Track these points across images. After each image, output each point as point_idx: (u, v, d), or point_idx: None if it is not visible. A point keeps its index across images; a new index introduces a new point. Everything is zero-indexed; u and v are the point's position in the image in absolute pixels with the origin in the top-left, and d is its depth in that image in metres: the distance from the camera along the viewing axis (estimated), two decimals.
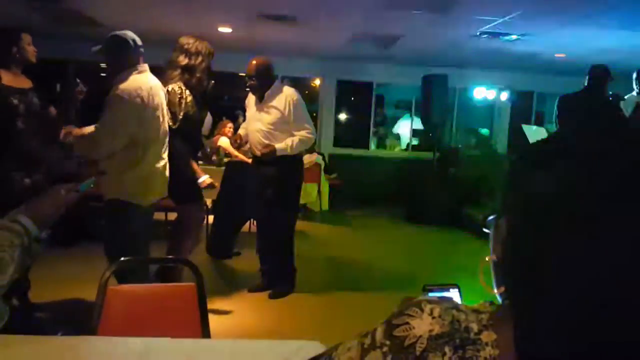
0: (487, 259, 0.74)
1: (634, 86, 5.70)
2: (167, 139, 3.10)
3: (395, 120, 10.78)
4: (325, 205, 7.56)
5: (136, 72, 2.83)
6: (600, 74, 4.91)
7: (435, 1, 4.93)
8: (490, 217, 0.77)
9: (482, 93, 8.53)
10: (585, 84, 5.02)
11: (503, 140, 9.69)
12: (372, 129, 9.91)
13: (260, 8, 5.62)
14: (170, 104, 3.31)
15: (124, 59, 2.84)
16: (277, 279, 4.07)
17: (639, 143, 0.66)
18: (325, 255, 5.53)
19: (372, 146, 10.03)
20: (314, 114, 9.81)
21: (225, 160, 5.92)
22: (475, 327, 0.66)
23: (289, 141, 3.84)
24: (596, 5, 4.76)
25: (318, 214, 7.39)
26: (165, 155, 3.07)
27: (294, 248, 4.14)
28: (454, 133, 9.93)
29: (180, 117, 3.37)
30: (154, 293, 1.94)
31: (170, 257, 3.48)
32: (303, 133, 3.88)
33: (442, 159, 8.25)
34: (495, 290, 0.72)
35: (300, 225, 6.89)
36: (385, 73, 9.36)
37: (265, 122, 3.89)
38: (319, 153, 7.93)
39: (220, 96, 10.40)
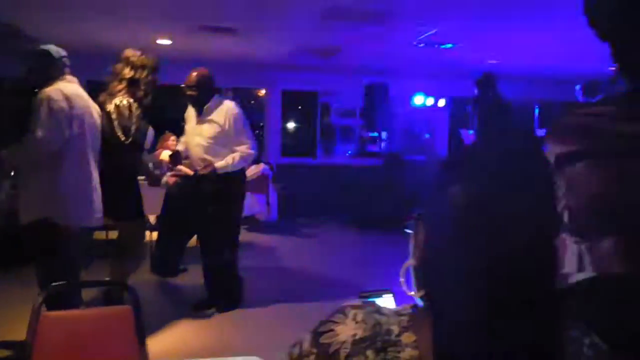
0: (407, 263, 0.79)
1: (581, 98, 6.01)
2: (94, 155, 3.02)
3: (341, 128, 10.91)
4: (274, 215, 7.57)
5: (62, 82, 2.79)
6: (487, 80, 5.13)
7: (372, 13, 5.05)
8: (410, 223, 0.82)
9: (421, 100, 8.77)
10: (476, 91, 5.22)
11: (443, 144, 10.00)
12: (318, 137, 10.00)
13: (199, 20, 5.60)
14: (121, 117, 3.27)
15: (48, 72, 2.79)
16: (223, 294, 4.03)
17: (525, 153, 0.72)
18: (273, 267, 5.54)
19: (319, 154, 10.12)
20: (261, 124, 9.81)
21: (168, 174, 5.83)
22: (396, 329, 0.70)
23: (229, 159, 3.81)
24: (525, 13, 5.00)
25: (266, 224, 7.38)
26: (96, 174, 3.00)
27: (238, 262, 4.11)
28: (397, 139, 10.15)
29: (133, 131, 3.33)
30: (89, 318, 1.91)
31: (104, 280, 3.40)
32: (243, 149, 3.86)
33: (387, 165, 8.42)
34: (416, 294, 0.76)
35: (248, 236, 6.89)
36: (329, 82, 9.48)
37: (205, 136, 3.86)
38: (267, 163, 7.93)
39: (162, 108, 10.23)
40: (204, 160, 3.90)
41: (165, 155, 6.03)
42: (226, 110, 3.85)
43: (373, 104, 7.99)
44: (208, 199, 3.87)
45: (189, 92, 3.89)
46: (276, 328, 3.74)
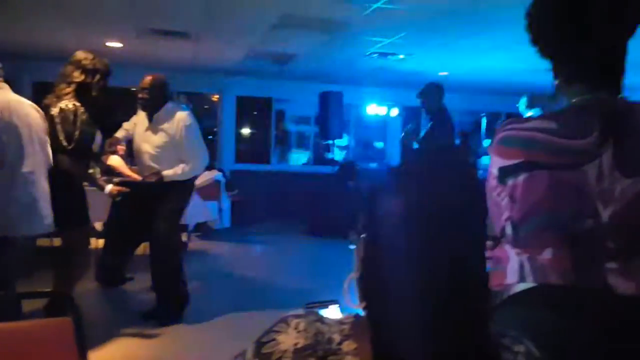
0: (350, 276, 0.79)
1: (523, 110, 6.25)
2: (41, 163, 2.91)
3: (297, 135, 10.95)
4: (227, 223, 7.48)
5: None
6: (431, 91, 5.23)
7: (326, 23, 5.10)
8: (354, 236, 0.82)
9: (374, 109, 8.90)
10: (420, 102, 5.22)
11: (396, 153, 10.17)
12: (273, 144, 9.99)
13: (150, 23, 5.50)
14: (64, 122, 3.15)
15: None
16: (170, 304, 3.92)
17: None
18: (224, 276, 5.45)
19: (274, 161, 10.10)
20: (214, 129, 9.71)
21: (116, 180, 5.68)
22: (337, 337, 0.70)
23: (178, 169, 3.74)
24: (471, 27, 5.16)
25: (219, 232, 7.28)
26: (43, 181, 2.89)
27: (184, 270, 4.01)
28: (351, 147, 10.26)
29: (76, 136, 3.20)
30: (24, 330, 1.82)
31: (43, 291, 3.26)
32: (193, 159, 3.80)
33: (341, 172, 8.48)
34: (358, 305, 0.77)
35: (200, 244, 6.79)
36: (284, 89, 9.50)
37: (153, 145, 3.76)
38: (219, 169, 7.84)
39: (112, 112, 9.97)
40: (150, 168, 3.81)
41: (113, 160, 5.89)
42: (178, 121, 3.74)
43: (327, 111, 8.04)
44: (155, 204, 3.78)
45: (140, 95, 3.79)
46: (224, 339, 3.66)
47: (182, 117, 3.77)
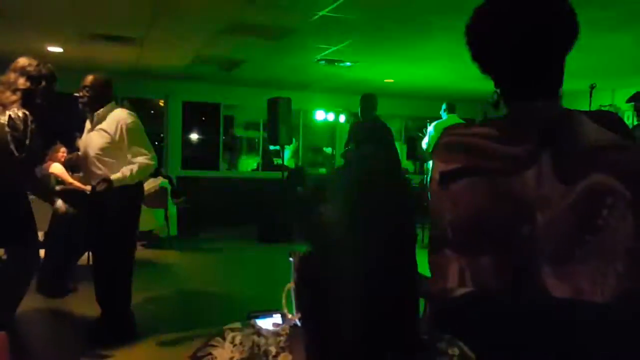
0: (288, 286, 0.80)
1: (442, 114, 6.70)
2: None
3: (246, 140, 10.88)
4: (174, 231, 7.33)
5: None
6: (366, 101, 5.48)
7: (273, 29, 5.11)
8: (291, 249, 0.83)
9: (322, 115, 8.96)
10: (359, 111, 5.51)
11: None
12: (221, 150, 9.88)
13: (92, 28, 5.35)
14: (14, 130, 3.01)
15: None
16: (116, 319, 3.74)
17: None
18: (172, 285, 5.32)
19: (222, 167, 9.99)
20: (161, 135, 9.52)
21: (58, 188, 5.48)
22: (273, 349, 0.71)
23: (126, 171, 3.53)
24: (415, 36, 5.30)
25: (166, 240, 7.13)
26: None
27: (131, 284, 3.85)
28: (300, 153, 10.29)
29: (27, 145, 3.07)
30: None
31: None
32: (141, 159, 3.59)
33: (290, 178, 8.49)
34: (295, 316, 0.78)
35: (147, 253, 6.61)
36: (232, 95, 9.43)
37: (95, 147, 3.58)
38: (165, 176, 7.68)
39: (53, 118, 9.61)
40: (93, 174, 3.64)
41: (55, 168, 5.68)
42: (118, 120, 3.56)
43: (276, 117, 8.03)
44: (102, 215, 3.63)
45: (81, 94, 3.64)
46: (168, 356, 3.57)
47: (122, 116, 3.59)
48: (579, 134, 1.08)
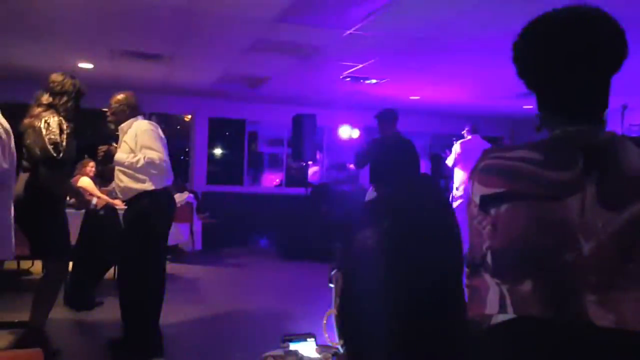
0: (330, 312, 0.79)
1: (466, 134, 6.66)
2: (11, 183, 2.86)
3: (269, 157, 10.94)
4: (199, 245, 7.38)
5: None
6: (387, 116, 5.24)
7: (299, 47, 5.15)
8: (333, 272, 0.83)
9: (347, 132, 8.97)
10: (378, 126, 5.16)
11: (367, 176, 10.24)
12: (246, 165, 9.95)
13: (122, 45, 5.47)
14: (51, 133, 3.15)
15: None
16: (139, 333, 3.71)
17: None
18: (197, 301, 5.32)
19: (247, 182, 10.06)
20: (186, 149, 9.64)
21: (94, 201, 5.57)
22: None
23: (131, 156, 3.46)
24: (440, 55, 5.29)
25: (191, 254, 7.17)
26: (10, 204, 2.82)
27: (161, 299, 3.80)
28: (324, 169, 10.30)
29: (63, 146, 3.18)
30: None
31: (14, 321, 3.16)
32: (149, 152, 3.46)
33: (314, 194, 8.49)
34: (337, 342, 0.77)
35: (172, 267, 6.62)
36: (257, 111, 9.53)
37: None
38: (191, 191, 7.76)
39: (82, 133, 9.83)
40: (118, 187, 3.67)
41: (83, 182, 5.78)
42: (136, 128, 3.56)
43: (301, 134, 8.07)
44: (131, 226, 3.65)
45: (108, 112, 3.72)
46: None
47: (140, 124, 3.59)
48: (624, 160, 1.05)
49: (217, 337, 4.22)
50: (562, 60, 1.10)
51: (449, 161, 7.20)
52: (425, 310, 0.67)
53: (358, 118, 9.31)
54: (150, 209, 3.61)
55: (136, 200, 3.58)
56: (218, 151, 10.33)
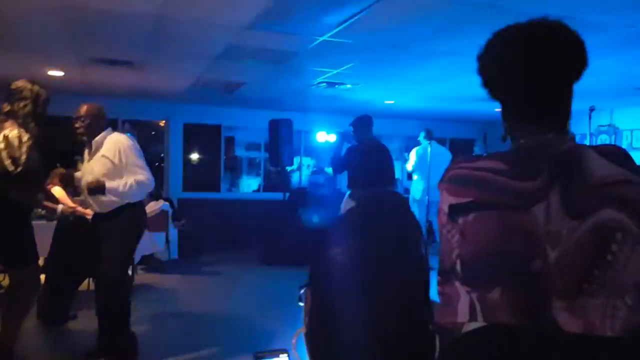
0: (298, 330, 0.79)
1: (422, 140, 6.97)
2: None
3: (246, 162, 10.90)
4: (175, 254, 7.30)
5: None
6: (361, 123, 5.30)
7: (273, 53, 5.15)
8: (302, 291, 0.83)
9: (323, 136, 8.99)
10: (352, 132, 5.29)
11: (345, 179, 10.27)
12: (222, 171, 9.90)
13: (92, 52, 5.39)
14: (9, 147, 3.08)
15: None
16: (118, 347, 3.69)
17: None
18: (173, 312, 5.25)
19: (224, 188, 9.99)
20: (161, 155, 9.55)
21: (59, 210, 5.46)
22: None
23: (122, 181, 3.54)
24: (413, 59, 5.34)
25: (167, 263, 7.09)
26: None
27: (129, 308, 3.80)
28: (302, 174, 10.30)
29: (22, 160, 3.11)
30: None
31: None
32: (138, 177, 3.59)
33: (292, 199, 8.48)
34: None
35: (148, 277, 6.56)
36: (233, 116, 9.49)
37: (96, 174, 3.59)
38: (166, 199, 7.68)
39: (53, 141, 9.64)
40: (95, 200, 3.66)
41: (55, 191, 5.67)
42: (115, 143, 3.61)
43: (277, 138, 8.06)
44: (104, 236, 3.62)
45: (77, 124, 3.68)
46: None
47: (119, 138, 3.66)
48: (588, 169, 1.08)
49: (194, 348, 4.18)
50: (524, 72, 1.13)
51: (408, 166, 7.56)
52: (393, 329, 0.67)
53: (335, 122, 9.35)
54: (134, 221, 3.73)
55: (118, 212, 3.62)
56: (194, 157, 10.25)
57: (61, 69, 6.27)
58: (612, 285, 1.05)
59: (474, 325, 1.10)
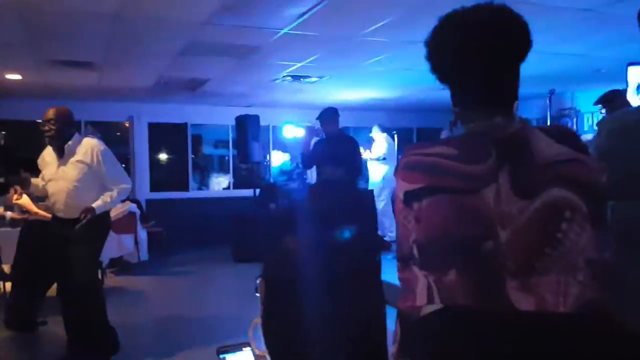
0: (255, 321, 0.79)
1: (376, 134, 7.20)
2: None
3: (215, 160, 10.79)
4: (145, 256, 7.19)
5: None
6: (328, 116, 5.27)
7: (235, 48, 5.11)
8: (258, 280, 0.82)
9: (291, 131, 8.97)
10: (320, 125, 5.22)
11: (313, 174, 10.28)
12: (190, 170, 9.78)
13: (50, 54, 5.26)
14: None
15: None
16: (91, 349, 3.66)
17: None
18: (145, 314, 5.18)
19: (193, 187, 9.88)
20: (128, 157, 9.38)
21: (21, 216, 5.35)
22: None
23: (106, 197, 3.60)
24: (377, 50, 5.36)
25: (137, 265, 6.98)
26: None
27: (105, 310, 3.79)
28: (271, 169, 10.26)
29: None
30: None
31: None
32: (122, 186, 3.70)
33: (263, 194, 8.44)
34: (264, 351, 0.76)
35: (117, 280, 6.47)
36: (199, 114, 9.38)
37: (71, 180, 3.57)
38: (133, 200, 7.55)
39: (15, 147, 9.38)
40: (68, 205, 3.61)
41: (23, 199, 5.53)
42: (91, 147, 3.63)
43: (245, 135, 8.01)
44: (72, 241, 3.56)
45: (47, 127, 3.61)
46: None
47: (93, 143, 3.68)
48: (535, 149, 1.11)
49: (166, 349, 4.14)
50: (471, 55, 1.14)
51: (380, 152, 7.61)
52: (346, 314, 0.68)
53: (303, 116, 9.33)
54: (101, 224, 3.73)
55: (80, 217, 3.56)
56: (161, 157, 10.10)
57: (18, 73, 6.11)
58: (564, 263, 1.08)
59: (431, 308, 1.12)
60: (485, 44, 1.13)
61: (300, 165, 10.54)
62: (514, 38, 1.14)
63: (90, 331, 3.70)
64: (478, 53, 1.13)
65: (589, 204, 1.08)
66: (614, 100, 4.69)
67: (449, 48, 1.17)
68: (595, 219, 1.09)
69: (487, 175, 1.10)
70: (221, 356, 1.08)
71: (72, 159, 3.60)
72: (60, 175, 3.63)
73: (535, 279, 1.07)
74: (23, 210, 5.40)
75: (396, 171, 1.25)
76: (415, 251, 1.17)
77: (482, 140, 1.14)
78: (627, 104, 4.79)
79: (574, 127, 8.16)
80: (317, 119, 5.16)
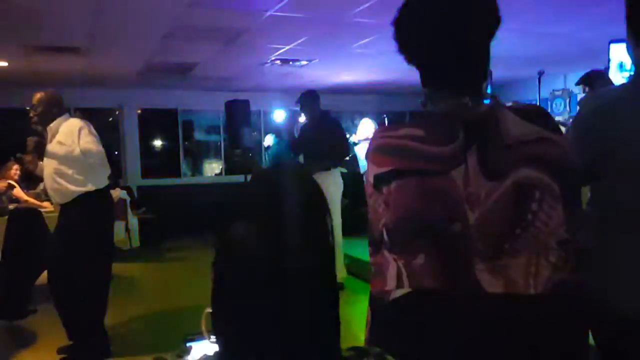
0: (207, 310, 0.76)
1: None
2: None
3: (206, 145, 10.71)
4: (136, 242, 7.17)
5: None
6: (307, 98, 5.26)
7: (223, 31, 5.03)
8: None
9: (281, 115, 8.90)
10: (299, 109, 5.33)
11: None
12: (182, 156, 9.71)
13: (35, 40, 5.18)
14: None
15: None
16: (84, 340, 3.61)
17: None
18: (139, 302, 5.15)
19: (185, 173, 9.83)
20: (119, 144, 9.31)
21: (11, 207, 5.30)
22: None
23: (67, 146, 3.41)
24: (365, 32, 5.30)
25: (128, 252, 6.96)
26: None
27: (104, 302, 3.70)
28: (263, 154, 10.21)
29: None
30: None
31: None
32: (86, 146, 3.40)
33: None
34: (215, 339, 0.74)
35: None
36: (189, 100, 9.28)
37: (55, 160, 3.46)
38: (124, 187, 7.51)
39: (3, 134, 9.28)
40: (54, 189, 3.53)
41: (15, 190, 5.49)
42: (71, 127, 3.47)
43: (235, 120, 7.92)
44: (71, 227, 3.50)
45: (31, 114, 3.55)
46: None
47: (75, 122, 3.52)
48: (504, 129, 1.08)
49: (159, 336, 4.13)
50: (439, 32, 1.11)
51: (353, 139, 7.61)
52: (294, 301, 0.65)
53: (292, 100, 9.26)
54: (95, 211, 3.56)
55: (75, 203, 3.47)
56: (152, 143, 10.03)
57: (4, 60, 6.03)
58: (535, 244, 1.06)
59: (399, 292, 1.10)
60: (451, 20, 1.10)
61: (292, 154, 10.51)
62: (480, 13, 1.11)
63: (76, 329, 3.60)
64: (444, 29, 1.10)
65: (560, 183, 1.06)
66: (596, 79, 4.64)
67: (418, 26, 1.14)
68: (567, 199, 1.07)
69: (455, 157, 1.07)
70: (188, 345, 1.06)
71: (54, 141, 3.48)
72: (47, 156, 3.52)
73: (504, 260, 1.05)
74: (12, 199, 5.36)
75: (367, 155, 1.22)
76: (385, 235, 1.15)
77: (450, 121, 1.11)
78: (610, 82, 4.70)
79: (567, 108, 8.12)
80: (297, 102, 5.11)
